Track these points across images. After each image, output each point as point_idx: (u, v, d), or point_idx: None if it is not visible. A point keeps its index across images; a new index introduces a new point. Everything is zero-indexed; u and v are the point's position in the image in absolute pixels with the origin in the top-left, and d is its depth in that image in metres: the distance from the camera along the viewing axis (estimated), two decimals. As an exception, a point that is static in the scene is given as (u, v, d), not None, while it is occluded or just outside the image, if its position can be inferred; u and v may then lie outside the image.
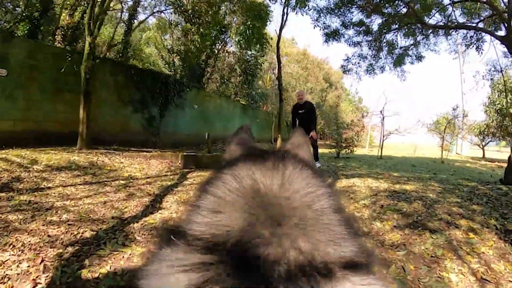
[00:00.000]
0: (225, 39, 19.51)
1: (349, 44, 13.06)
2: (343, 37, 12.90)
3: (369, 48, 13.59)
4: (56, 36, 14.27)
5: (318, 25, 12.74)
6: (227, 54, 20.47)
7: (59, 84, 9.78)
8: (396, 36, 13.26)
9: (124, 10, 15.69)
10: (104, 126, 11.12)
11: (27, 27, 15.10)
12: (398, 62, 13.89)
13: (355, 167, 10.43)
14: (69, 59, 9.73)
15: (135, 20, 17.27)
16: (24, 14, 13.95)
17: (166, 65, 18.94)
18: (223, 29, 18.48)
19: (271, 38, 16.71)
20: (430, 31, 12.62)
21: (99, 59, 9.99)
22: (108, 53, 12.89)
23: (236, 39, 12.98)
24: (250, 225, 0.37)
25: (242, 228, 0.37)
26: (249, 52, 19.81)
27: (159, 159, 8.67)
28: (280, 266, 0.33)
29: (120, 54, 16.51)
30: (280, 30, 12.51)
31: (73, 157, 7.60)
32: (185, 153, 7.99)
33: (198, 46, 13.00)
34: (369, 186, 6.39)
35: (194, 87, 15.76)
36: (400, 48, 13.77)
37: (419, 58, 13.86)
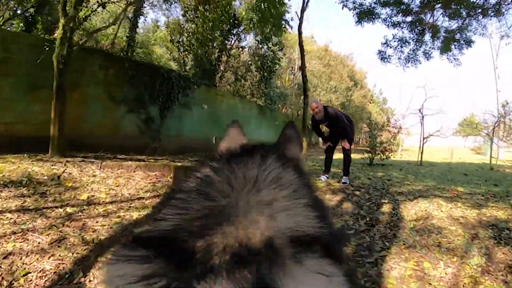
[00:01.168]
0: (239, 33, 17.59)
1: (387, 25, 10.80)
2: (379, 17, 10.64)
3: (410, 31, 11.33)
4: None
5: (347, 5, 10.60)
6: (241, 49, 18.43)
7: (36, 80, 8.05)
8: (441, 16, 10.99)
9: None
10: (90, 128, 9.34)
11: (21, 24, 13.51)
12: (446, 47, 11.54)
13: (402, 178, 8.36)
14: (47, 49, 7.96)
15: (141, 16, 16.11)
16: (17, 11, 12.51)
17: (177, 65, 17.34)
18: (235, 22, 16.60)
19: (291, 21, 14.65)
20: (479, 10, 10.39)
21: (78, 46, 8.06)
22: (88, 41, 11.08)
23: (249, 18, 10.85)
24: (186, 220, 0.37)
25: (178, 223, 0.37)
26: (266, 47, 17.79)
27: (146, 171, 6.68)
28: (215, 256, 0.33)
29: (125, 52, 14.67)
30: (302, 12, 10.35)
31: (34, 167, 5.95)
32: (179, 164, 5.91)
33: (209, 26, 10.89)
34: (452, 216, 4.23)
35: (204, 84, 13.71)
36: (445, 31, 11.47)
37: (468, 43, 11.49)
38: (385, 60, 11.95)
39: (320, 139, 7.66)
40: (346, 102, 32.55)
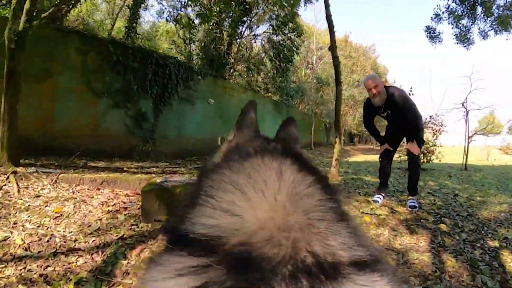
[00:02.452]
0: (250, 19, 15.51)
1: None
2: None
3: (460, 4, 9.04)
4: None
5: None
6: (253, 37, 16.27)
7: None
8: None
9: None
10: (63, 127, 7.42)
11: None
12: (503, 23, 9.20)
13: (469, 191, 6.45)
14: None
15: (142, 5, 14.32)
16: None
17: (185, 59, 15.26)
18: (247, 7, 14.51)
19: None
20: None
21: (39, 20, 6.06)
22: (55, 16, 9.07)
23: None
24: (258, 227, 0.36)
25: (249, 229, 0.36)
26: (281, 34, 15.59)
27: (116, 188, 4.73)
28: (283, 267, 0.33)
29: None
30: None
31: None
32: (154, 185, 3.71)
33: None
34: None
35: (210, 75, 11.57)
36: (499, 7, 9.18)
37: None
38: (435, 38, 9.63)
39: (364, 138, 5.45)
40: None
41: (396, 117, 4.44)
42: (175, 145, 9.85)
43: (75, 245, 3.09)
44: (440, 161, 9.58)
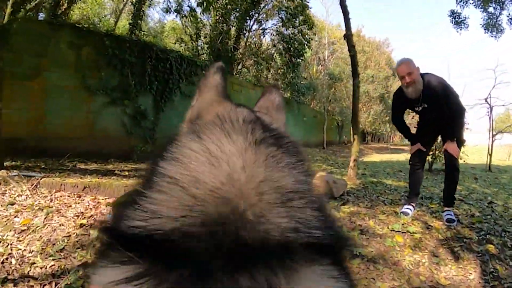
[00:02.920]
0: (259, 13, 14.86)
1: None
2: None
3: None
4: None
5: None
6: (262, 32, 15.59)
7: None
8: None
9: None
10: (54, 127, 6.91)
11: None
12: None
13: (495, 196, 5.88)
14: None
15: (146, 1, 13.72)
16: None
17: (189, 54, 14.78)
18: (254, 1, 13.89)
19: None
20: None
21: (25, 12, 5.62)
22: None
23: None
24: (189, 214, 0.33)
25: (178, 218, 0.33)
26: (291, 27, 14.88)
27: (98, 195, 4.12)
28: (218, 259, 0.29)
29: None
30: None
31: None
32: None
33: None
34: None
35: (215, 69, 10.93)
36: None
37: None
38: (460, 24, 8.83)
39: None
40: (385, 93, 28.96)
41: (433, 111, 3.66)
42: (178, 145, 9.15)
43: (29, 271, 2.49)
44: (464, 161, 8.80)
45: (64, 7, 11.68)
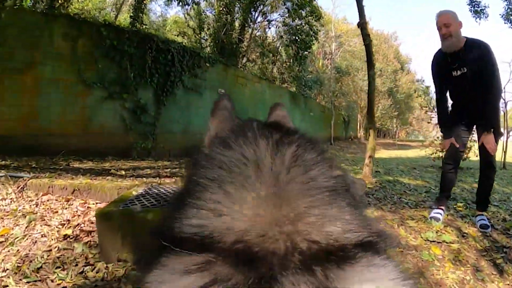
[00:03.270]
0: (263, 4, 14.34)
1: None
2: None
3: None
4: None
5: None
6: (267, 24, 15.06)
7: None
8: None
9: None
10: (48, 123, 6.53)
11: None
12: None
13: None
14: None
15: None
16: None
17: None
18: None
19: None
20: None
21: (13, 1, 5.23)
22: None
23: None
24: (248, 225, 0.34)
25: (239, 228, 0.34)
26: (297, 19, 14.33)
27: (89, 199, 3.71)
28: (290, 259, 0.31)
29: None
30: None
31: None
32: (121, 204, 2.58)
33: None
34: None
35: (219, 61, 10.44)
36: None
37: None
38: (479, 13, 8.26)
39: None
40: (394, 87, 28.27)
41: (472, 82, 3.15)
42: (180, 141, 8.76)
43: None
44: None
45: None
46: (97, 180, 4.24)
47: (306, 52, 15.25)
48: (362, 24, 6.87)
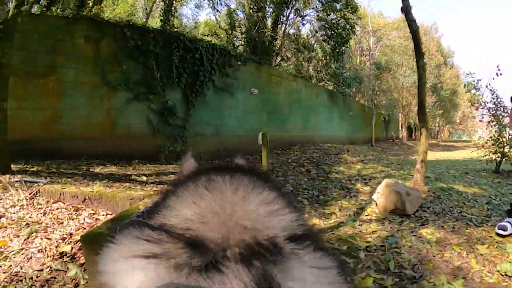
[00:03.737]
0: (296, 1, 13.73)
1: None
2: None
3: None
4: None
5: None
6: (301, 19, 14.43)
7: None
8: None
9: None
10: (72, 127, 6.36)
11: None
12: None
13: None
14: None
15: None
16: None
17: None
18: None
19: None
20: None
21: (29, 5, 5.04)
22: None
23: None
24: (200, 215, 0.41)
25: (193, 216, 0.40)
26: (332, 13, 13.59)
27: (99, 209, 3.41)
28: (227, 250, 0.36)
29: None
30: None
31: None
32: (118, 222, 2.10)
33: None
34: None
35: (252, 60, 9.91)
36: None
37: None
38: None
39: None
40: (438, 83, 26.61)
41: None
42: (211, 144, 8.30)
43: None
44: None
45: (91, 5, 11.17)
46: (113, 187, 3.85)
47: (343, 48, 14.46)
48: (407, 8, 6.12)
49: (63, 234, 2.80)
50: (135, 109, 6.97)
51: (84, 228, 2.88)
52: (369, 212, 4.13)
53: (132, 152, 6.72)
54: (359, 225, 3.65)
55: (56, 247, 2.60)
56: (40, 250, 2.58)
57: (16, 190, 3.89)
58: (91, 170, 5.11)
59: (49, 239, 2.74)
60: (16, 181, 4.15)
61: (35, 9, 7.11)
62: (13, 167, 4.82)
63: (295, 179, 5.83)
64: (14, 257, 2.51)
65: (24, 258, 2.49)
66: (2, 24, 4.46)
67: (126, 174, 4.88)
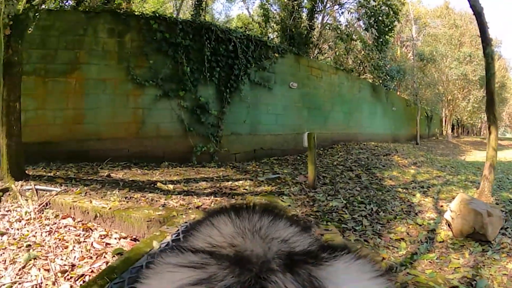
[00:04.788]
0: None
1: None
2: None
3: None
4: None
5: None
6: (338, 7, 13.49)
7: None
8: None
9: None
10: (95, 126, 5.96)
11: None
12: None
13: None
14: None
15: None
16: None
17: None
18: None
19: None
20: None
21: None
22: None
23: None
24: (242, 234, 0.45)
25: (235, 235, 0.45)
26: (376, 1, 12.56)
27: (114, 228, 2.72)
28: (272, 259, 0.39)
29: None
30: None
31: None
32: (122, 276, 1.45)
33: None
34: None
35: (290, 51, 9.11)
36: None
37: None
38: None
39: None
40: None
41: None
42: (247, 144, 7.60)
43: None
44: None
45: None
46: (133, 199, 3.30)
47: (387, 37, 13.38)
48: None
49: (64, 265, 2.26)
50: (164, 107, 6.42)
51: (90, 257, 2.28)
52: (443, 236, 3.32)
53: (161, 153, 6.26)
54: (436, 258, 2.88)
55: (53, 283, 2.05)
56: (34, 286, 2.08)
57: (26, 200, 3.51)
58: (112, 175, 4.61)
59: (47, 270, 2.21)
60: (28, 189, 3.77)
61: (53, 4, 6.75)
62: (30, 171, 4.49)
63: (346, 187, 5.03)
64: (5, 290, 2.00)
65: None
66: (12, 20, 4.11)
67: (151, 181, 4.29)
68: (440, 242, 3.25)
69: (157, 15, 6.61)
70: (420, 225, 3.68)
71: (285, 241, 0.44)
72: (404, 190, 5.08)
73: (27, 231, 2.87)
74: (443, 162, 8.80)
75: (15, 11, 4.12)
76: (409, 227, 3.64)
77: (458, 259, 2.85)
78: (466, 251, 2.97)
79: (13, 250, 2.54)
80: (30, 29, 4.51)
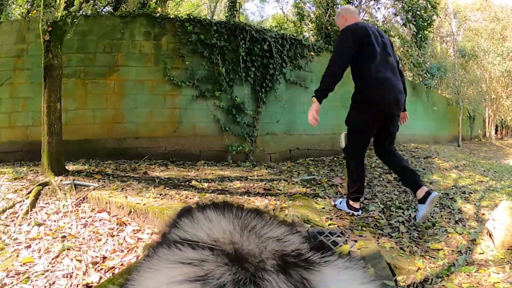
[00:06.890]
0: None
1: None
2: None
3: None
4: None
5: None
6: (374, 3, 13.19)
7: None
8: None
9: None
10: (134, 126, 6.26)
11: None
12: None
13: None
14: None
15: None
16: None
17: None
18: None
19: None
20: None
21: (78, 6, 4.85)
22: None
23: None
24: (240, 232, 0.44)
25: (233, 232, 0.44)
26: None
27: (148, 223, 3.06)
28: (267, 259, 0.38)
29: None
30: None
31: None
32: None
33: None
34: None
35: (326, 49, 8.92)
36: None
37: None
38: None
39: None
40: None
41: None
42: (283, 144, 7.53)
43: None
44: None
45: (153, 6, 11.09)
46: (167, 196, 3.38)
47: (426, 32, 12.92)
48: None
49: (96, 257, 2.38)
50: (200, 107, 6.55)
51: (122, 251, 2.34)
52: (483, 247, 3.10)
53: (198, 152, 6.42)
54: (475, 271, 2.69)
55: (84, 273, 2.15)
56: (66, 275, 2.17)
57: (65, 194, 3.70)
58: (149, 172, 4.77)
59: (79, 261, 2.32)
60: (67, 184, 3.97)
61: (91, 11, 7.08)
62: (70, 167, 4.74)
63: (383, 191, 4.84)
64: (36, 280, 2.14)
65: (45, 283, 2.09)
66: (51, 27, 4.39)
67: (186, 178, 4.36)
68: (479, 253, 3.05)
69: (192, 17, 6.72)
70: (460, 234, 3.46)
71: (279, 240, 0.44)
72: (444, 196, 4.85)
73: (63, 223, 3.04)
74: (486, 166, 8.37)
75: (53, 18, 4.38)
76: (448, 236, 3.42)
77: (498, 273, 2.64)
78: (507, 265, 2.76)
79: (48, 240, 2.68)
80: (69, 34, 4.76)
